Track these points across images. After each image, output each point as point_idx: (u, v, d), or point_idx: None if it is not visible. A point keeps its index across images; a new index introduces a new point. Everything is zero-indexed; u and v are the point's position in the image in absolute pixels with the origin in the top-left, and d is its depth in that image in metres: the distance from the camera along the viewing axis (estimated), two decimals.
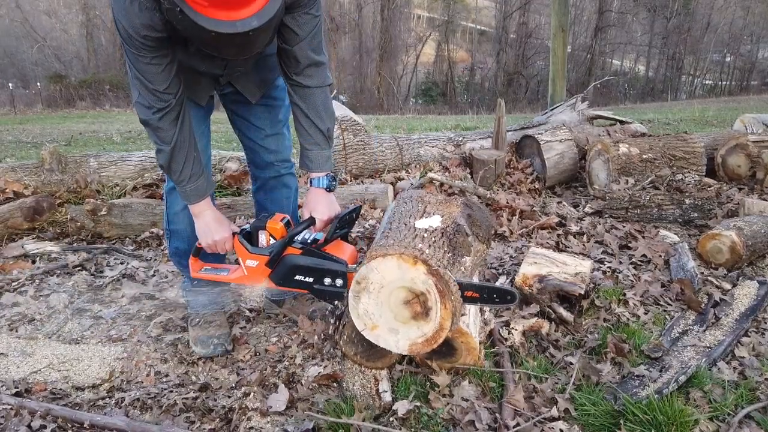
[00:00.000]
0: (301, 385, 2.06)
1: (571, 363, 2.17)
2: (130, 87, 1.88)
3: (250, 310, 2.66)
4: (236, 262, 2.09)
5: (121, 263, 3.28)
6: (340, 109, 5.16)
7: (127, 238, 3.69)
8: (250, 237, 2.04)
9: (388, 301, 1.73)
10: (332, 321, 2.27)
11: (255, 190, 2.56)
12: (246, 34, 1.53)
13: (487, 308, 2.27)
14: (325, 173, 2.11)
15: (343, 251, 1.98)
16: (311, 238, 1.99)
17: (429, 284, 1.67)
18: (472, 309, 2.15)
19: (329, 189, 2.11)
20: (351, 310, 1.78)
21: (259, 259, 1.98)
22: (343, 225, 2.03)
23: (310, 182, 2.12)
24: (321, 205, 2.07)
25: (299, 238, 1.96)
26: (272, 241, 1.99)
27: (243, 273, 2.04)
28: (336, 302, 2.02)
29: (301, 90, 2.02)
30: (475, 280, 2.14)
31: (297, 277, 1.94)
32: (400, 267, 1.69)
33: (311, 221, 2.04)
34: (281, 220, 2.00)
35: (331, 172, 2.13)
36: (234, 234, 2.06)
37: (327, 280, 1.91)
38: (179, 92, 1.86)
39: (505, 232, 3.63)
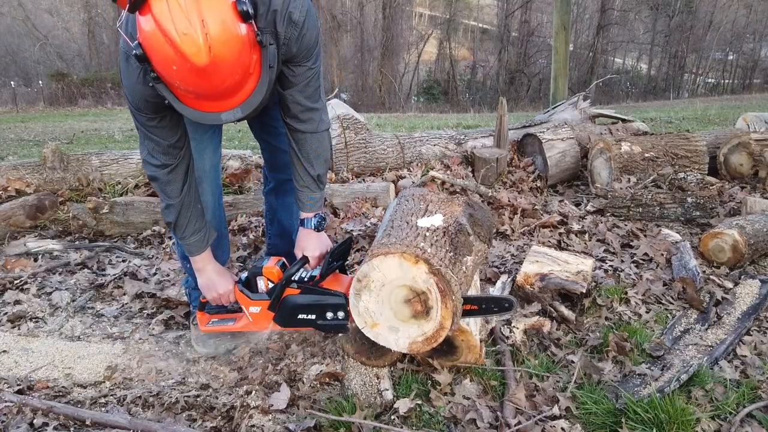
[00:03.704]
0: (303, 383, 2.06)
1: (573, 361, 2.17)
2: (139, 144, 1.90)
3: None
4: (240, 310, 2.13)
5: (123, 261, 3.29)
6: (341, 108, 5.16)
7: (129, 236, 3.70)
8: (249, 284, 2.07)
9: (389, 299, 1.74)
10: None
11: (267, 191, 2.57)
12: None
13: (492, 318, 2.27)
14: (314, 214, 2.13)
15: (341, 283, 2.01)
16: (308, 276, 2.03)
17: (430, 283, 1.67)
18: None
19: (318, 229, 2.14)
20: (352, 307, 1.79)
21: (261, 305, 2.02)
22: (337, 258, 2.07)
23: (301, 222, 2.15)
24: (311, 244, 2.11)
25: (296, 277, 2.00)
26: (270, 285, 2.02)
27: (248, 320, 2.07)
28: (340, 334, 2.03)
29: (294, 134, 2.03)
30: (472, 291, 2.15)
31: (300, 316, 1.98)
32: (401, 266, 1.69)
33: (304, 260, 2.08)
34: (276, 263, 2.05)
35: (321, 213, 2.16)
36: (235, 283, 2.10)
37: (329, 315, 1.95)
38: (186, 142, 1.90)
39: (506, 230, 3.63)
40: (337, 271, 2.11)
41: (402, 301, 1.73)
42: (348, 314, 1.92)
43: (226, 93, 1.53)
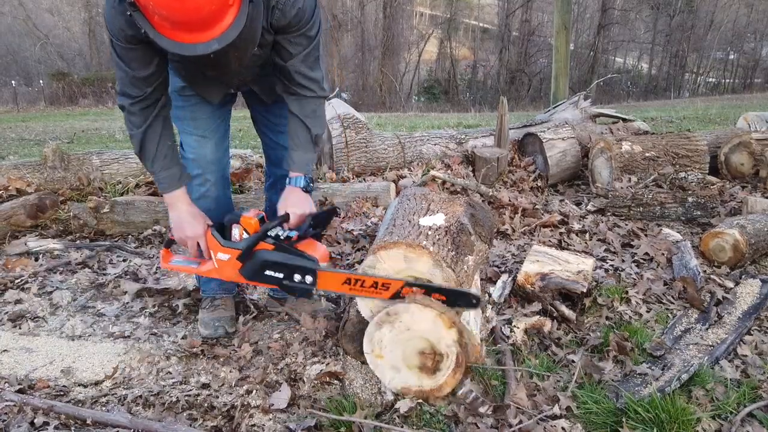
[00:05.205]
0: (303, 382, 2.06)
1: (573, 361, 2.16)
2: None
3: (255, 306, 2.66)
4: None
5: (124, 261, 3.29)
6: (342, 107, 5.16)
7: (130, 236, 3.70)
8: (223, 230, 2.03)
9: (406, 343, 1.80)
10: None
11: (267, 186, 2.60)
12: (208, 55, 1.57)
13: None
14: (303, 174, 2.12)
15: (315, 249, 1.98)
16: (284, 234, 1.98)
17: (452, 350, 1.76)
18: None
19: (306, 189, 2.12)
20: (366, 333, 1.84)
21: (230, 253, 1.97)
22: (317, 224, 2.04)
23: (288, 181, 2.13)
24: (295, 201, 2.08)
25: (272, 233, 1.95)
26: (245, 235, 1.98)
27: (213, 266, 2.03)
28: (304, 297, 2.02)
29: (295, 98, 2.05)
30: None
31: (267, 273, 1.95)
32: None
33: (285, 217, 2.03)
34: (256, 215, 2.00)
35: (309, 175, 2.14)
36: (208, 227, 2.06)
37: (297, 277, 1.92)
38: (158, 83, 1.90)
39: (507, 230, 3.63)
40: (312, 237, 2.07)
41: (417, 350, 1.81)
42: (316, 279, 1.90)
43: (202, 23, 1.53)
